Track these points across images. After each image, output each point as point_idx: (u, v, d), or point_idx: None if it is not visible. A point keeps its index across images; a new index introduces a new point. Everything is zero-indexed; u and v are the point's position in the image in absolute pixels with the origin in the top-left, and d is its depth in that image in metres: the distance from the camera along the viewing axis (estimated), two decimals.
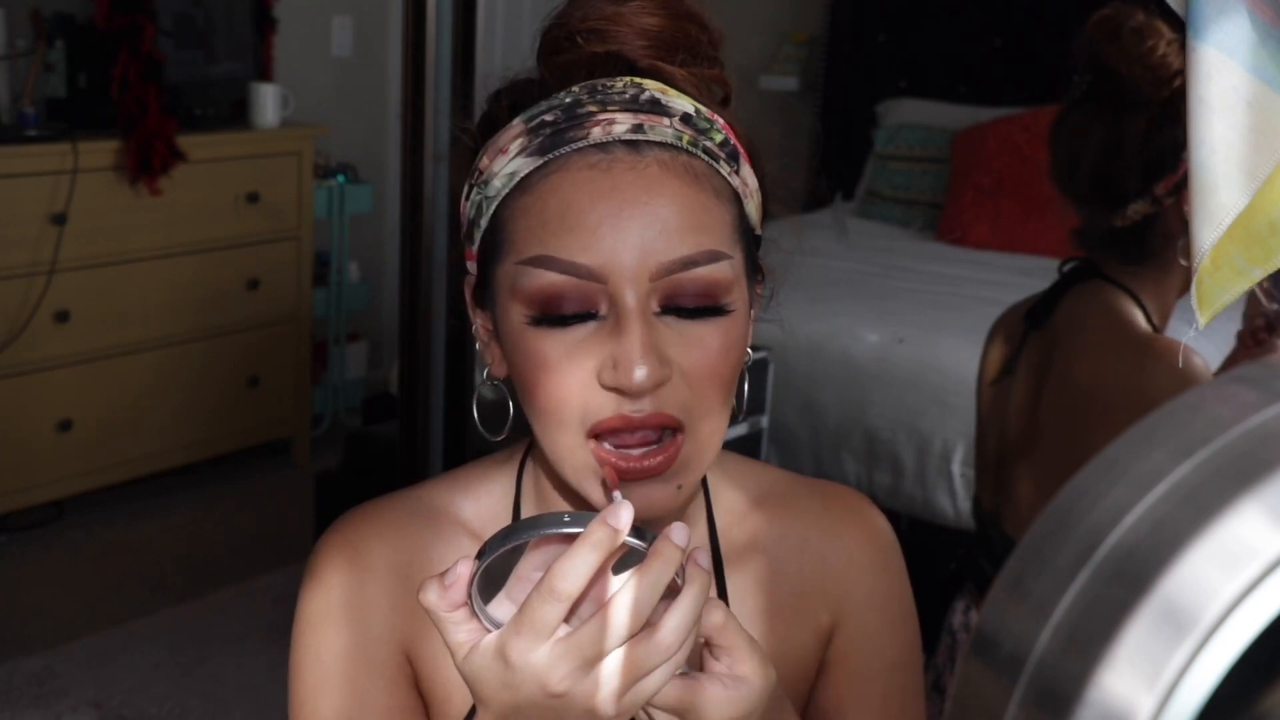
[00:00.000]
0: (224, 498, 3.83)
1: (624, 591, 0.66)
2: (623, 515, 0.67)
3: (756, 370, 2.84)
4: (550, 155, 0.76)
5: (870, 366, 3.00)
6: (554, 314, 0.75)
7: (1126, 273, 1.57)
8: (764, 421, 2.94)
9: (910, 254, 3.90)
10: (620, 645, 0.66)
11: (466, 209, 0.82)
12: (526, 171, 0.77)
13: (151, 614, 3.16)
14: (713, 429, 0.78)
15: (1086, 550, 0.33)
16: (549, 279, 0.75)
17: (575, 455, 0.77)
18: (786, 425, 3.05)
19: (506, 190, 0.78)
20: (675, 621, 0.67)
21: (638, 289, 0.74)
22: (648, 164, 0.75)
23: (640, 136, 0.76)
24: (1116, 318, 1.54)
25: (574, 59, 0.81)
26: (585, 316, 0.75)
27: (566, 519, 0.69)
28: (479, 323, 0.85)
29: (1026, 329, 1.66)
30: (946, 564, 2.73)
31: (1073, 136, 1.55)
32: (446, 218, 2.09)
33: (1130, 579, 0.32)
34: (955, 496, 2.85)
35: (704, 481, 0.92)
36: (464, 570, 0.69)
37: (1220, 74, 0.78)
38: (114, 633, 3.06)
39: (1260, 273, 0.82)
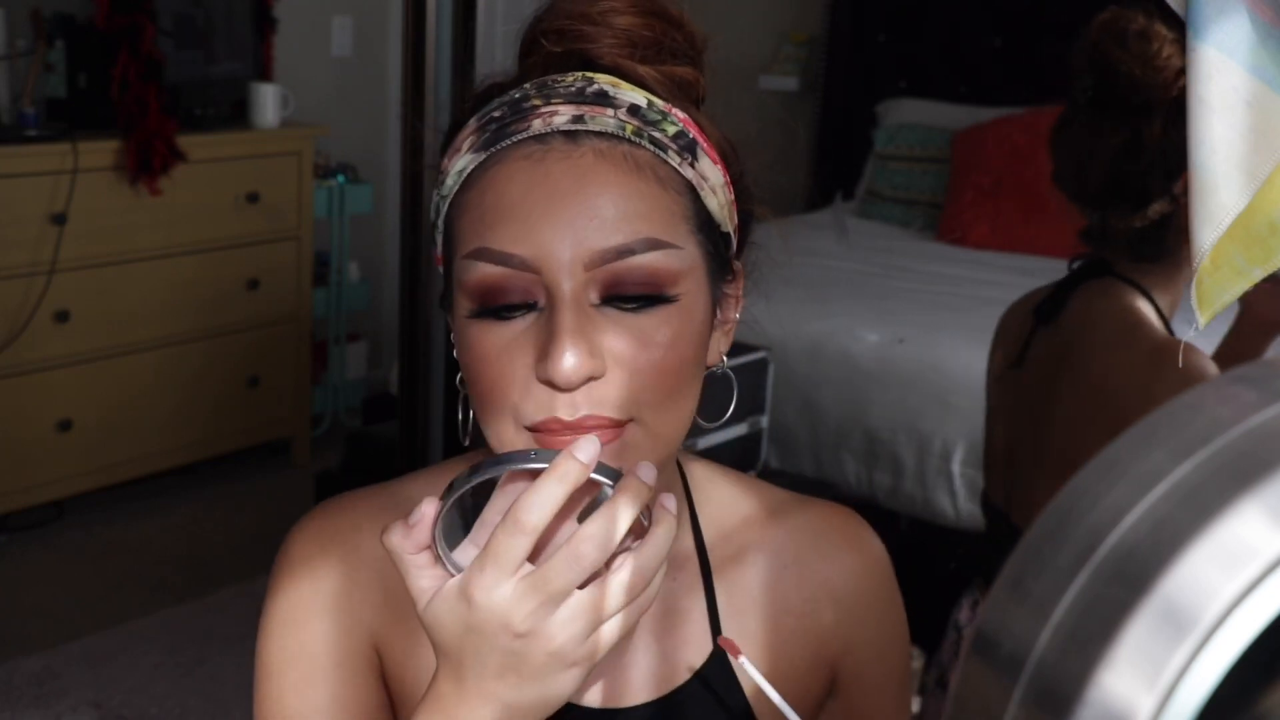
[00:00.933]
0: (224, 498, 3.83)
1: (589, 524, 0.66)
2: (588, 448, 0.67)
3: (757, 370, 2.84)
4: (492, 150, 0.76)
5: (870, 366, 3.00)
6: (493, 305, 0.75)
7: (1138, 269, 1.57)
8: (764, 421, 2.94)
9: (910, 254, 3.90)
10: (584, 579, 0.66)
11: (432, 211, 0.82)
12: (471, 168, 0.77)
13: (151, 614, 3.16)
14: (666, 419, 0.76)
15: (1086, 550, 0.33)
16: (486, 271, 0.74)
17: (514, 444, 0.76)
18: (786, 425, 3.05)
19: (455, 188, 0.78)
20: (641, 561, 0.67)
21: (572, 279, 0.73)
22: (583, 153, 0.74)
23: (579, 126, 0.75)
24: (1131, 317, 1.54)
25: (538, 60, 0.81)
26: (524, 308, 0.74)
27: (532, 455, 0.69)
28: (451, 324, 0.83)
29: (1035, 324, 1.66)
30: (946, 564, 2.73)
31: (1082, 141, 1.55)
32: None
33: (1130, 579, 0.32)
34: (955, 496, 2.85)
35: (688, 495, 0.90)
36: (429, 510, 0.69)
37: (1220, 74, 0.78)
38: (114, 633, 3.06)
39: (1260, 273, 0.82)
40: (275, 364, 3.95)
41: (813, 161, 4.47)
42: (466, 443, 0.82)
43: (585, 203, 0.73)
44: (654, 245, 0.74)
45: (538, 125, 0.75)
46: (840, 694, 0.92)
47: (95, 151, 3.37)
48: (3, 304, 3.27)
